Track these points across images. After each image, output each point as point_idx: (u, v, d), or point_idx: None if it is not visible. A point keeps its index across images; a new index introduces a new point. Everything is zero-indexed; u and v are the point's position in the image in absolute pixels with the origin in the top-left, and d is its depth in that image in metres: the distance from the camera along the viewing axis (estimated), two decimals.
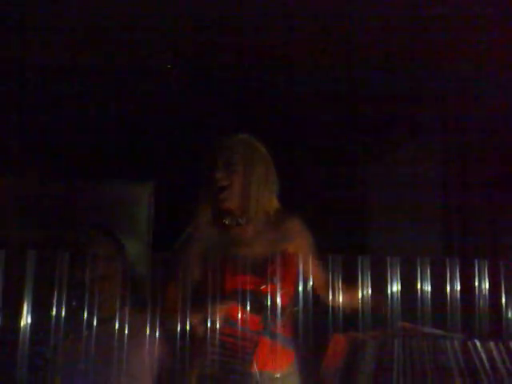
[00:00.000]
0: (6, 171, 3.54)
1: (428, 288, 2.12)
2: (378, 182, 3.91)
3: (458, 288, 2.12)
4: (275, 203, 2.42)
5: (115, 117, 3.56)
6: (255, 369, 2.15)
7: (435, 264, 2.25)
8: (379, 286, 2.13)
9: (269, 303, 2.20)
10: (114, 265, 2.35)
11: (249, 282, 2.20)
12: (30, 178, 3.63)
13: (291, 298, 2.29)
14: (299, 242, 2.38)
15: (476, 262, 2.12)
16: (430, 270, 2.16)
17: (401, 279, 2.13)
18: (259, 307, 2.24)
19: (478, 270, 2.12)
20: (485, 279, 2.13)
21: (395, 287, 2.12)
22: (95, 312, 2.12)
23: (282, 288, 2.19)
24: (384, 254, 2.10)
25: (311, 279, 2.15)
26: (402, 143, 3.69)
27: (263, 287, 2.28)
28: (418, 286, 2.12)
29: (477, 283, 2.12)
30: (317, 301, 2.18)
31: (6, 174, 3.59)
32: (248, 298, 2.18)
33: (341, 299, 2.10)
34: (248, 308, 2.19)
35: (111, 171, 3.72)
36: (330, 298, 2.11)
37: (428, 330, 2.09)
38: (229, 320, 2.14)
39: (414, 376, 1.97)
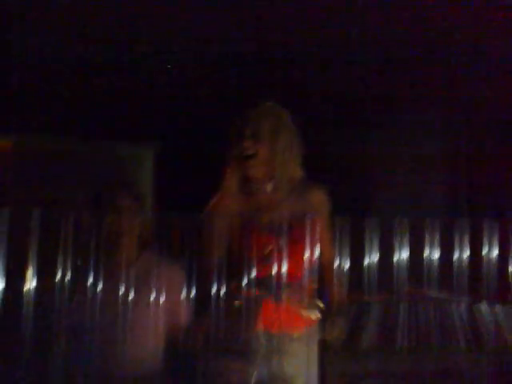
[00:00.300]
0: (8, 130, 3.52)
1: (435, 251, 2.11)
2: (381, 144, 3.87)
3: (467, 250, 2.10)
4: (299, 172, 2.49)
5: (121, 75, 3.51)
6: (261, 329, 2.16)
7: (443, 226, 2.24)
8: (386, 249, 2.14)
9: (283, 268, 2.23)
10: (135, 216, 2.37)
11: (272, 244, 2.26)
12: (32, 138, 3.63)
13: (310, 264, 2.33)
14: (320, 212, 2.40)
15: (485, 223, 2.10)
16: (438, 233, 2.15)
17: (408, 242, 2.13)
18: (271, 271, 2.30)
19: (487, 232, 2.10)
20: (493, 241, 2.11)
21: (402, 250, 2.11)
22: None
23: (302, 252, 2.24)
24: (391, 217, 2.09)
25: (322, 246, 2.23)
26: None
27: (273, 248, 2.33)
28: (426, 249, 2.11)
29: (485, 245, 2.10)
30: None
31: (8, 132, 3.58)
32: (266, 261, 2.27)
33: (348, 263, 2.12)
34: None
35: (115, 132, 3.72)
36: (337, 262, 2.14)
37: (434, 293, 2.09)
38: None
39: (419, 339, 1.98)
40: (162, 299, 2.25)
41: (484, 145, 3.36)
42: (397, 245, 2.15)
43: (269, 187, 2.41)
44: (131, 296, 2.14)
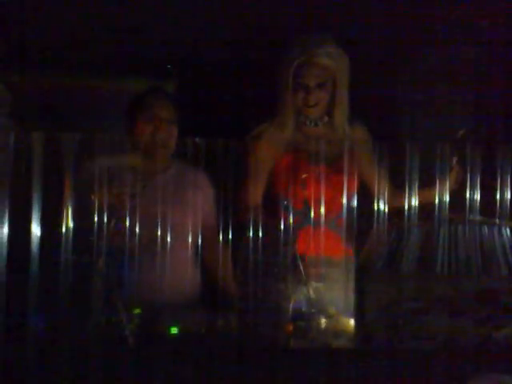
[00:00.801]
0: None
1: (477, 176, 2.08)
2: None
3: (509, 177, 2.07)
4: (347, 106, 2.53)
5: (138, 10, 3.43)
6: (299, 253, 2.18)
7: (485, 152, 2.20)
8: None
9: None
10: (173, 126, 2.47)
11: (318, 172, 2.32)
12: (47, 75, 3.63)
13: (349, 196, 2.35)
14: (363, 148, 2.50)
15: None
16: (481, 159, 2.11)
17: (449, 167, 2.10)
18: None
19: None
20: None
21: (443, 174, 2.09)
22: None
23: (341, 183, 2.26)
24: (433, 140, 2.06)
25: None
26: None
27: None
28: (467, 174, 2.08)
29: None
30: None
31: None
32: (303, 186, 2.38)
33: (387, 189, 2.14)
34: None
35: (131, 68, 3.70)
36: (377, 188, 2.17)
37: (475, 217, 2.07)
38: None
39: (458, 262, 1.97)
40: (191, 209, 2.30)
41: None
42: (439, 169, 2.12)
43: (321, 124, 2.53)
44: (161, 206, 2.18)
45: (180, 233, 2.19)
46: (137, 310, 2.10)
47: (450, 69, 3.46)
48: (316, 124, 2.52)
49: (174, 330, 2.06)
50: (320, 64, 2.43)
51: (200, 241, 2.19)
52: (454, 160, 2.37)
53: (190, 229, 2.20)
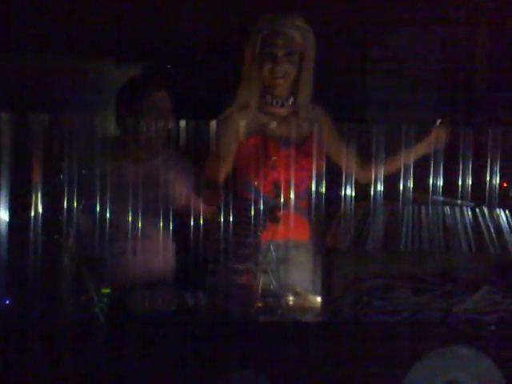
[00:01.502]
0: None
1: (440, 157, 2.17)
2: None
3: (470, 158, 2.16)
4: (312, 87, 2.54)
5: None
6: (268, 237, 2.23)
7: (448, 132, 2.28)
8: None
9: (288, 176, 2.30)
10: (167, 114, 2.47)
11: (282, 155, 2.37)
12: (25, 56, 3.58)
13: (309, 177, 2.40)
14: (325, 129, 2.52)
15: (489, 130, 2.14)
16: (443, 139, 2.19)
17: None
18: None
19: (492, 139, 2.15)
20: (497, 148, 2.16)
21: (407, 155, 2.17)
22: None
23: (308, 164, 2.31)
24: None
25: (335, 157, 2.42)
26: None
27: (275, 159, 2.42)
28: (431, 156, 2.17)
29: (488, 153, 2.16)
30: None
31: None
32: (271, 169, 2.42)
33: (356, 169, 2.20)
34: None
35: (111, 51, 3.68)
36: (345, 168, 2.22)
37: (438, 197, 2.15)
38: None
39: (422, 240, 2.05)
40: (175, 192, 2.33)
41: None
42: (404, 151, 2.20)
43: (287, 104, 2.50)
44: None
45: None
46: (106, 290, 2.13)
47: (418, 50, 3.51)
48: (282, 104, 2.50)
49: (146, 308, 2.09)
50: (288, 34, 2.43)
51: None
52: (438, 121, 2.43)
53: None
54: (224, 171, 2.44)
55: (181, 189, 2.44)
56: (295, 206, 2.29)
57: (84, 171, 2.21)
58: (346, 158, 2.26)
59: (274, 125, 2.48)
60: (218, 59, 3.37)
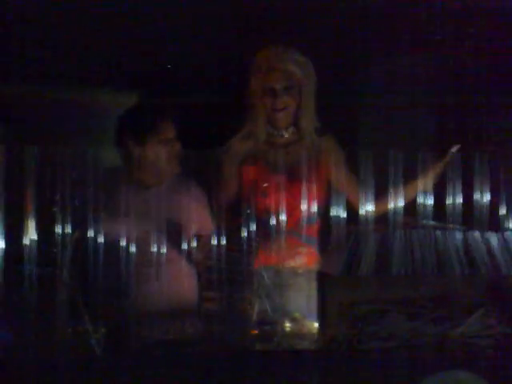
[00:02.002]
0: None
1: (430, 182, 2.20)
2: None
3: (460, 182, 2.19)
4: (314, 115, 2.60)
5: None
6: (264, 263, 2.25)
7: (436, 158, 2.31)
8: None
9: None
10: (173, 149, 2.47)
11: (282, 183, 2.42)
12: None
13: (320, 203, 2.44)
14: (332, 157, 2.56)
15: (476, 155, 2.18)
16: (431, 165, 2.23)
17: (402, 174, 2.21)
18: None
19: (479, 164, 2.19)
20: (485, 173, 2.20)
21: (397, 182, 2.20)
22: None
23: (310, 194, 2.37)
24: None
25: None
26: None
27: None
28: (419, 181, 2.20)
29: (477, 177, 2.19)
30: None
31: None
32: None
33: None
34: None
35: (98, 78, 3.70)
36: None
37: (429, 222, 2.17)
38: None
39: (414, 264, 2.06)
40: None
41: None
42: (392, 177, 2.23)
43: (287, 133, 2.58)
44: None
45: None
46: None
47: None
48: (282, 135, 2.58)
49: (146, 338, 2.10)
50: (285, 69, 2.52)
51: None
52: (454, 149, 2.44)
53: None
54: (227, 199, 2.51)
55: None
56: (298, 232, 2.37)
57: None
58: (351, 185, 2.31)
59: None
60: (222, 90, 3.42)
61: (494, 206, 2.26)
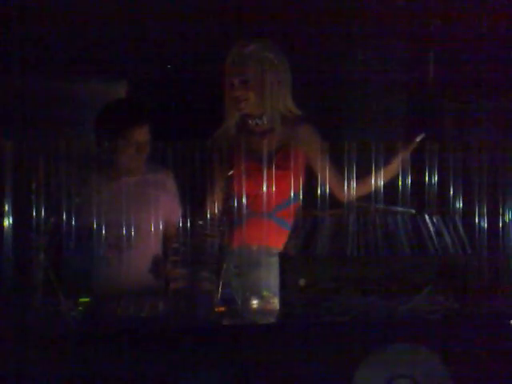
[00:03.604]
0: None
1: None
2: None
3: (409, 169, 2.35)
4: (291, 105, 2.77)
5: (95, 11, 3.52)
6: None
7: (389, 147, 2.47)
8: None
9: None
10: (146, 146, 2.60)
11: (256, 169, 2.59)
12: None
13: (290, 189, 2.63)
14: (308, 143, 2.73)
15: (427, 144, 2.34)
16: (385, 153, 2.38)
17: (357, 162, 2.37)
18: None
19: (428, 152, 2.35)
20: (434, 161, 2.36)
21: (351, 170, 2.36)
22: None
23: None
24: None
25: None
26: None
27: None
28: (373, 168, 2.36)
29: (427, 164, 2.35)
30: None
31: None
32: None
33: None
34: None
35: (86, 68, 3.79)
36: None
37: (381, 206, 2.32)
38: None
39: (367, 246, 2.21)
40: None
41: None
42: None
43: (260, 121, 2.75)
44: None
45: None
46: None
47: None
48: (256, 123, 2.76)
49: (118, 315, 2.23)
50: (243, 63, 2.70)
51: None
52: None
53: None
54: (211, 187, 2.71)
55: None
56: (272, 215, 2.57)
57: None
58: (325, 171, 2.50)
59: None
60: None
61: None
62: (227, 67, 2.71)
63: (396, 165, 2.55)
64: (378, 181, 2.39)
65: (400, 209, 2.34)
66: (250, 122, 2.75)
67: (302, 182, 2.58)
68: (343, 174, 2.43)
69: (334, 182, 2.53)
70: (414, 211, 2.35)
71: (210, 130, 2.79)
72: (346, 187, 2.41)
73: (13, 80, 3.53)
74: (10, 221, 2.26)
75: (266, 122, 2.74)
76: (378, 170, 2.44)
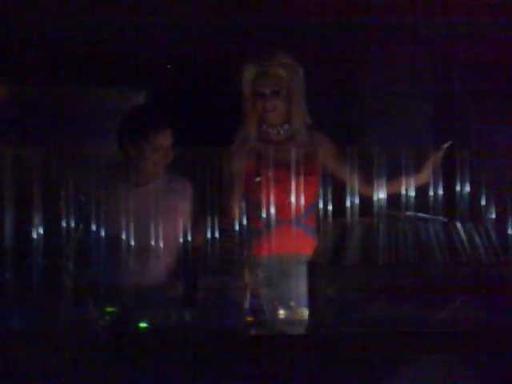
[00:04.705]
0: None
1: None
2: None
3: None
4: (306, 112, 2.83)
5: (112, 20, 3.57)
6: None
7: (419, 154, 2.43)
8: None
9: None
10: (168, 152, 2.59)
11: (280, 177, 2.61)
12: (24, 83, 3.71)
13: (313, 195, 2.67)
14: (324, 152, 2.80)
15: (457, 150, 2.29)
16: (415, 160, 2.34)
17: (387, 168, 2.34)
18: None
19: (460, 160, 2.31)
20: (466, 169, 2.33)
21: (381, 176, 2.32)
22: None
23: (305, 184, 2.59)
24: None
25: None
26: None
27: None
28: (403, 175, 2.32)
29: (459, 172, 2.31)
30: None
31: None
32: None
33: None
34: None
35: (106, 78, 3.82)
36: None
37: (411, 213, 2.28)
38: None
39: (398, 254, 2.17)
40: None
41: None
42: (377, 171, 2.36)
43: (283, 130, 2.81)
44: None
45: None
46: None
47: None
48: (278, 132, 2.79)
49: (145, 325, 2.22)
50: (274, 73, 2.74)
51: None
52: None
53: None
54: (232, 197, 2.72)
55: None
56: (299, 222, 2.58)
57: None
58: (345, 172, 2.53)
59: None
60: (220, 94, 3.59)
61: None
62: (255, 77, 2.74)
63: (426, 171, 2.53)
64: (407, 186, 2.36)
65: (431, 216, 2.29)
66: (270, 131, 2.79)
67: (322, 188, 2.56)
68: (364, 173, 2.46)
69: (356, 180, 2.52)
70: (445, 219, 2.30)
71: (226, 138, 2.82)
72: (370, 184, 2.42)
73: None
74: (39, 229, 2.26)
75: (286, 131, 2.79)
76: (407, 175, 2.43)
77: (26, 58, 3.52)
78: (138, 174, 2.58)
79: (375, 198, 2.33)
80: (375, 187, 2.38)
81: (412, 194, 2.37)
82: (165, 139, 2.56)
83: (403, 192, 2.37)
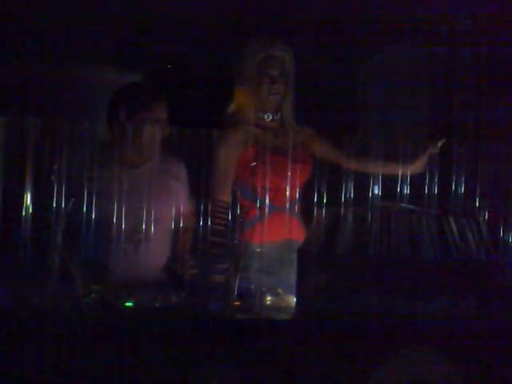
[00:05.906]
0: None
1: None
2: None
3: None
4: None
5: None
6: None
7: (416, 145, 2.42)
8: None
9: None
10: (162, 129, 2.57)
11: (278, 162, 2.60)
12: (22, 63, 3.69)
13: (306, 183, 2.67)
14: (312, 140, 2.86)
15: (454, 144, 2.28)
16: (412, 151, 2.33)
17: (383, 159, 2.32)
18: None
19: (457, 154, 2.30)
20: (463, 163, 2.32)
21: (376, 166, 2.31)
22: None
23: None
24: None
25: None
26: None
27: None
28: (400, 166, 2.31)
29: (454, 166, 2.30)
30: None
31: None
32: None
33: None
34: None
35: (102, 58, 3.80)
36: None
37: (405, 205, 2.27)
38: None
39: (390, 245, 2.16)
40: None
41: None
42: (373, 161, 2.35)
43: (276, 117, 2.83)
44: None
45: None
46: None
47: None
48: (273, 118, 2.80)
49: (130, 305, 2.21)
50: (281, 56, 2.77)
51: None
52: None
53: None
54: (224, 180, 2.69)
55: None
56: (291, 209, 2.57)
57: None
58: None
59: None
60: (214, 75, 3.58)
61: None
62: (262, 59, 2.73)
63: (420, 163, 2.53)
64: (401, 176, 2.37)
65: (424, 209, 2.28)
66: (265, 116, 2.79)
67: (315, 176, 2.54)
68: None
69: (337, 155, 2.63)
70: (437, 212, 2.29)
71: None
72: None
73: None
74: (29, 201, 2.24)
75: (278, 118, 2.81)
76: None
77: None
78: (133, 153, 2.55)
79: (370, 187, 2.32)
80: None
81: (406, 185, 2.35)
82: (163, 112, 2.55)
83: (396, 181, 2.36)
